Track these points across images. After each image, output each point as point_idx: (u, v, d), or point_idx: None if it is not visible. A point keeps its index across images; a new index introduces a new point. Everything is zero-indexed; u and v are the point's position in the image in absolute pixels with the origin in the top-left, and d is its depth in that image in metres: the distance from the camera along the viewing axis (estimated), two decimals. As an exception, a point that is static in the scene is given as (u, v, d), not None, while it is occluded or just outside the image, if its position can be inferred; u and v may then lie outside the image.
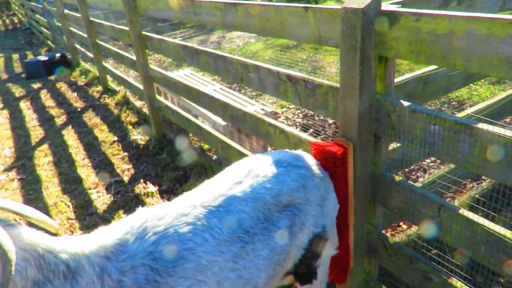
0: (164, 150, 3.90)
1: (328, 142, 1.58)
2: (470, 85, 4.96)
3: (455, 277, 1.52)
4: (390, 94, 1.52)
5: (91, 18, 5.53)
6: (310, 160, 1.52)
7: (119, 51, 4.85)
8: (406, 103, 1.41)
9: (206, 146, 3.99)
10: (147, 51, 3.75)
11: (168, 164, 3.68)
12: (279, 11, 1.77)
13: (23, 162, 4.00)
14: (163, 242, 1.14)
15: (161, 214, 1.20)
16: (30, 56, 9.48)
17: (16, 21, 17.08)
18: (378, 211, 1.81)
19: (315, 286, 1.67)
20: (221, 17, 2.25)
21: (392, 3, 1.49)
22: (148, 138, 4.25)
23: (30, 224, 1.09)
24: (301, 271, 1.54)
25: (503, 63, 1.08)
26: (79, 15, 5.79)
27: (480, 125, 1.19)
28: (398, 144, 1.81)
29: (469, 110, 2.23)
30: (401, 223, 2.73)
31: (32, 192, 3.43)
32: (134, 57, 4.11)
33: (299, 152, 1.59)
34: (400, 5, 1.40)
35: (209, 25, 2.48)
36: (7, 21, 17.66)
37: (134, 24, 3.60)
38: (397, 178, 1.60)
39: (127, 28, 3.98)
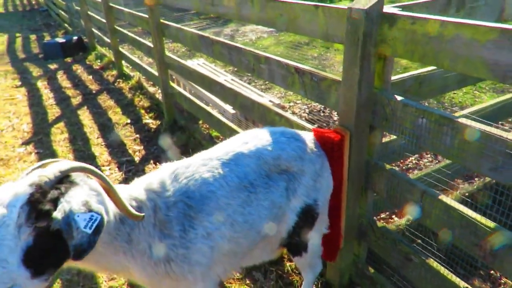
0: (175, 135, 4.08)
1: (328, 129, 1.75)
2: (475, 92, 5.08)
3: (432, 258, 1.69)
4: (387, 89, 1.68)
5: (111, 4, 5.72)
6: (310, 138, 1.72)
7: (137, 37, 5.02)
8: (399, 98, 1.57)
9: (214, 133, 4.16)
10: (164, 38, 3.92)
11: (178, 148, 3.86)
12: (292, 8, 1.92)
13: (40, 138, 4.21)
14: (192, 183, 1.39)
15: (186, 164, 1.47)
16: (47, 38, 9.70)
17: (33, 2, 17.34)
18: (369, 198, 1.98)
19: (305, 259, 1.87)
20: (237, 10, 2.41)
21: (394, 6, 1.64)
22: (159, 123, 4.44)
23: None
24: (294, 241, 1.74)
25: (484, 65, 1.23)
26: (99, 0, 5.98)
27: (460, 119, 1.35)
28: (394, 137, 1.97)
29: (464, 111, 2.38)
30: (393, 216, 2.89)
31: (48, 165, 3.63)
32: (151, 44, 4.28)
33: (303, 131, 1.79)
34: (400, 9, 1.55)
35: (225, 17, 2.64)
36: (25, 1, 17.93)
37: (154, 12, 3.77)
38: (388, 166, 1.76)
39: (146, 16, 4.15)
